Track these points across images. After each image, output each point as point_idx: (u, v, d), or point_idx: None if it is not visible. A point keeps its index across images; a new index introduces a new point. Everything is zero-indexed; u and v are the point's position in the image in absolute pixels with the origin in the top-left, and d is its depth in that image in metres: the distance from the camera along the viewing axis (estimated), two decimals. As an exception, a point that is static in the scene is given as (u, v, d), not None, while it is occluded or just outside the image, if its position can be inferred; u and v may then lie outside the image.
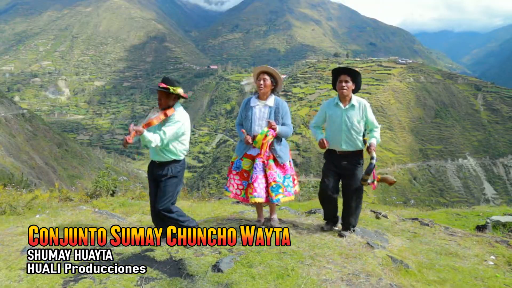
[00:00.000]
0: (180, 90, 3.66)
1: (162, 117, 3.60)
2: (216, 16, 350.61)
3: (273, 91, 4.15)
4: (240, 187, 4.04)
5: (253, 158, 4.05)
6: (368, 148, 3.93)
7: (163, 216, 3.72)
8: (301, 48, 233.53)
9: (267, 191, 3.96)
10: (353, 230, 4.13)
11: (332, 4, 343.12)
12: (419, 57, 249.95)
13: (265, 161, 4.00)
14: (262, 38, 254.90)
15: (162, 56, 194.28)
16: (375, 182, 3.93)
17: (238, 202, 7.25)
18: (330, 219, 4.28)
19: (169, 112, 3.64)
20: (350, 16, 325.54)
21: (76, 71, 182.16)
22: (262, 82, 4.01)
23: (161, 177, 3.72)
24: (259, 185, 3.93)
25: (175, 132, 3.61)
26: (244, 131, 4.05)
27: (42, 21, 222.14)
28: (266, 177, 3.99)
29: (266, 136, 3.89)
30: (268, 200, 3.99)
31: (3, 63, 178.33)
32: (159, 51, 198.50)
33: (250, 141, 3.97)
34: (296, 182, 4.26)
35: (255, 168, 3.97)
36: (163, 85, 3.61)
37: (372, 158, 3.85)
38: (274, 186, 3.95)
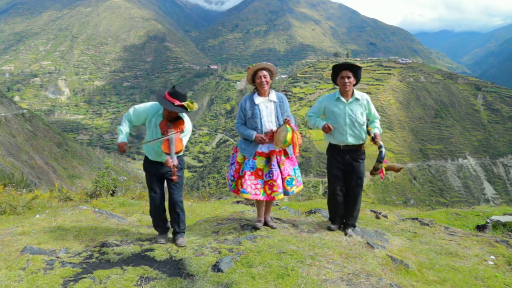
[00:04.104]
0: (196, 106, 3.69)
1: (180, 136, 3.65)
2: (216, 16, 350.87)
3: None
4: (258, 186, 3.99)
5: (266, 156, 4.03)
6: (373, 139, 3.96)
7: (179, 208, 3.87)
8: (301, 48, 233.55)
9: (283, 186, 4.02)
10: (354, 228, 4.16)
11: (332, 4, 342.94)
12: (419, 57, 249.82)
13: (278, 157, 4.01)
14: (262, 38, 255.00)
15: (162, 56, 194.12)
16: (384, 171, 3.93)
17: (238, 202, 7.24)
18: (336, 219, 4.30)
19: (182, 125, 3.69)
20: (350, 16, 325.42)
21: (76, 71, 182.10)
22: (263, 79, 3.99)
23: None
24: (281, 181, 3.97)
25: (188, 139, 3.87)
26: (266, 135, 3.97)
27: (42, 21, 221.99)
28: (281, 172, 4.01)
29: (294, 133, 3.84)
30: (285, 194, 4.05)
31: (3, 63, 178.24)
32: (159, 51, 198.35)
33: (266, 139, 3.92)
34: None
35: (273, 165, 3.97)
36: (178, 103, 3.57)
37: (380, 146, 3.88)
38: (289, 179, 4.01)
